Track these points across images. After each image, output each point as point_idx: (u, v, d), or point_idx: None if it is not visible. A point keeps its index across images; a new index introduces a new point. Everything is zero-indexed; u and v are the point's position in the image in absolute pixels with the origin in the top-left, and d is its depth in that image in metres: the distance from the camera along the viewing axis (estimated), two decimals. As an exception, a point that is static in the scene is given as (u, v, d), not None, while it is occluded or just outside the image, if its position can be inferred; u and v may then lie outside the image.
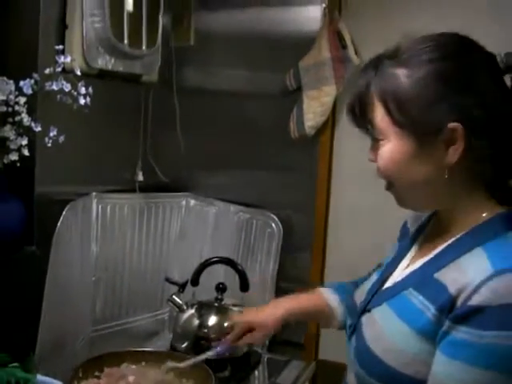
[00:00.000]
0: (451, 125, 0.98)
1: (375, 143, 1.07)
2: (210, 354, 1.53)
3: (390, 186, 1.09)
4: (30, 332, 1.49)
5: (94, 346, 1.81)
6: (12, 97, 1.40)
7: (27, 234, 1.59)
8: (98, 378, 1.56)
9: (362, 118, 1.07)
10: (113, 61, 1.77)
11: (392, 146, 1.03)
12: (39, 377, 1.27)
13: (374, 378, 1.06)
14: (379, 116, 1.04)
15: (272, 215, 1.99)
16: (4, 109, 1.40)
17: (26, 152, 1.43)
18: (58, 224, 1.53)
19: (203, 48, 2.14)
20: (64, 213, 1.56)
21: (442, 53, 1.01)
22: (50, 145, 1.46)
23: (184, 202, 2.12)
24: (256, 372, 1.87)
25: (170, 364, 1.57)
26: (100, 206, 1.84)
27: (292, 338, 2.08)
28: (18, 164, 1.44)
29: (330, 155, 2.04)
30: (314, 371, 1.93)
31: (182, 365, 1.55)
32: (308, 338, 2.07)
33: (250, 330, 1.44)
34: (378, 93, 1.03)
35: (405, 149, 1.03)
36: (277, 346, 2.02)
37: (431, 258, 1.07)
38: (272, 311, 1.43)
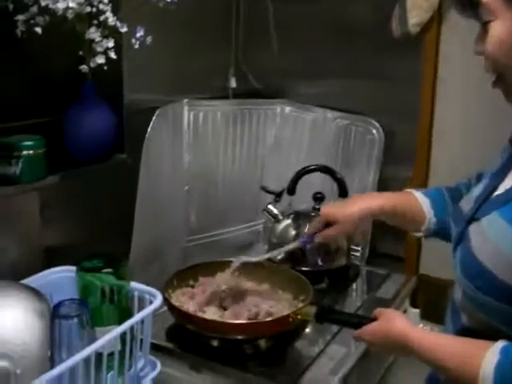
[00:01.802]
0: None
1: (483, 30, 0.99)
2: (289, 246, 1.50)
3: (498, 80, 1.00)
4: (123, 240, 1.47)
5: (188, 257, 1.79)
6: (96, -5, 1.34)
7: (117, 142, 1.55)
8: (192, 287, 1.55)
9: (469, 3, 0.98)
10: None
11: (502, 26, 0.95)
12: (133, 284, 1.25)
13: (481, 292, 0.99)
14: None
15: (373, 121, 1.86)
16: (88, 9, 1.33)
17: (112, 54, 1.37)
18: (148, 130, 1.48)
19: None
20: (154, 118, 1.50)
21: None
22: (137, 46, 1.39)
23: (279, 109, 2.01)
24: (354, 285, 1.82)
25: (244, 258, 1.53)
26: (192, 114, 1.78)
27: (392, 250, 1.99)
28: (106, 67, 1.38)
29: (436, 57, 1.87)
30: (414, 286, 1.84)
31: (254, 259, 1.53)
32: (409, 251, 1.97)
33: (332, 223, 1.37)
34: None
35: None
36: (376, 258, 1.94)
37: None
38: (357, 206, 1.35)
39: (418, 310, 1.83)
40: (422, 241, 1.96)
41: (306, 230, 1.47)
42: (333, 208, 1.39)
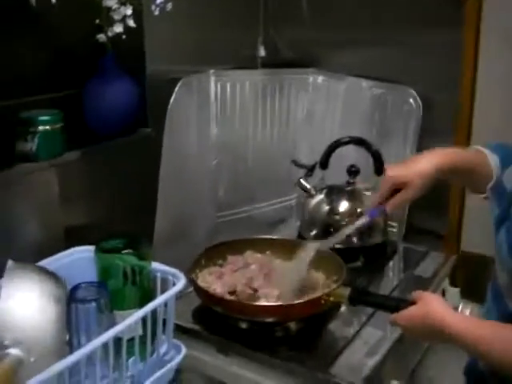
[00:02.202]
0: None
1: None
2: (359, 223, 1.33)
3: None
4: (147, 219, 1.41)
5: (217, 234, 1.72)
6: (112, -42, 1.26)
7: (140, 115, 1.49)
8: (221, 266, 1.48)
9: None
10: None
11: None
12: (155, 264, 1.19)
13: None
14: None
15: (410, 90, 1.75)
16: (104, -27, 1.26)
17: (131, 22, 1.31)
18: (171, 101, 1.40)
19: None
20: (177, 89, 1.43)
21: None
22: (157, 13, 1.32)
23: (311, 79, 1.92)
24: (391, 263, 1.72)
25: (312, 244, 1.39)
26: (219, 85, 1.70)
27: (431, 226, 1.89)
28: (124, 37, 1.31)
29: (478, 23, 1.73)
30: (454, 264, 1.75)
31: (324, 244, 1.39)
32: (449, 227, 1.87)
33: (398, 188, 1.22)
34: None
35: None
36: (414, 235, 1.84)
37: None
38: (423, 165, 1.20)
39: (457, 289, 1.73)
40: (463, 216, 1.87)
41: (371, 200, 1.32)
42: (400, 168, 1.23)
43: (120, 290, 1.12)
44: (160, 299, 1.09)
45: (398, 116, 1.78)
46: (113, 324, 1.04)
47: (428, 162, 1.20)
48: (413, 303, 1.11)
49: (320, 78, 1.91)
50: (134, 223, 1.41)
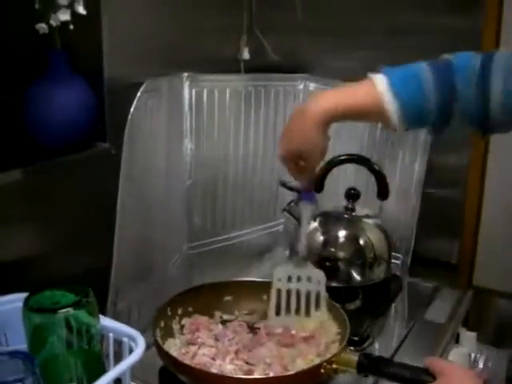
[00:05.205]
0: None
1: None
2: None
3: None
4: (105, 253, 1.13)
5: (190, 269, 1.48)
6: None
7: (98, 127, 1.22)
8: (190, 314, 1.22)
9: None
10: None
11: None
12: (106, 321, 0.92)
13: None
14: None
15: (418, 100, 1.51)
16: None
17: (80, 9, 1.03)
18: (131, 109, 1.13)
19: None
20: (139, 94, 1.15)
21: None
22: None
23: (301, 86, 1.67)
24: (396, 303, 1.47)
25: None
26: (194, 91, 1.44)
27: (438, 255, 1.67)
28: (72, 27, 1.04)
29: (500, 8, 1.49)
30: (470, 303, 1.50)
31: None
32: (462, 256, 1.64)
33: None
34: None
35: None
36: (418, 265, 1.59)
37: None
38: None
39: (474, 334, 1.48)
40: (477, 245, 1.63)
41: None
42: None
43: (57, 359, 0.85)
44: (109, 375, 0.81)
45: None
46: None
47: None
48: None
49: (312, 85, 1.67)
50: (89, 259, 1.18)
